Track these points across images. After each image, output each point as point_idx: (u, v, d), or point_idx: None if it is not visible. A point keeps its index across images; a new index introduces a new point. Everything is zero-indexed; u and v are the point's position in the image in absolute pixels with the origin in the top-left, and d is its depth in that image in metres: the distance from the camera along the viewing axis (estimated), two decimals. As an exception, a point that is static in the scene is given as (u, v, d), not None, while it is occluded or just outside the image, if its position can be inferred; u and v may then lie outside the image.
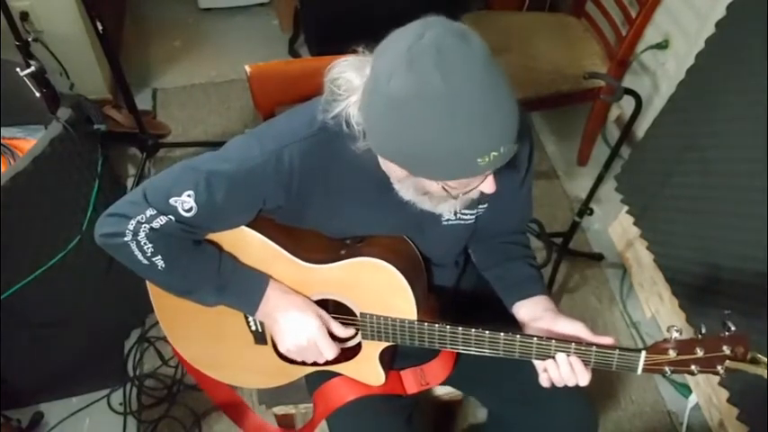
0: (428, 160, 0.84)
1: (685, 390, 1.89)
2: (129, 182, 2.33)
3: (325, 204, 1.05)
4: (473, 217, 1.12)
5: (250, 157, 0.98)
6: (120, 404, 1.82)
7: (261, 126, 1.04)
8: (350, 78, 0.88)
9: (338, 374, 1.18)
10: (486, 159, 0.82)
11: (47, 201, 1.47)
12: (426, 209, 0.99)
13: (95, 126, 1.68)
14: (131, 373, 1.87)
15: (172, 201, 0.97)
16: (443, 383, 1.23)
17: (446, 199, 0.95)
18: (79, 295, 1.67)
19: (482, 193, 0.94)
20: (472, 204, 1.08)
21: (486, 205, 1.12)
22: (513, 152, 0.86)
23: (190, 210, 0.97)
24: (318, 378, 1.20)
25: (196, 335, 1.21)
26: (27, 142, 1.63)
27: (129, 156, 2.42)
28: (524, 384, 1.03)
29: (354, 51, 0.89)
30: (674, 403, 1.89)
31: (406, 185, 0.96)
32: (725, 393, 1.63)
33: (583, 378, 0.99)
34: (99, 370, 1.83)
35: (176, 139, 2.49)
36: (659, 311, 1.99)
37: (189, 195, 0.96)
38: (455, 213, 1.09)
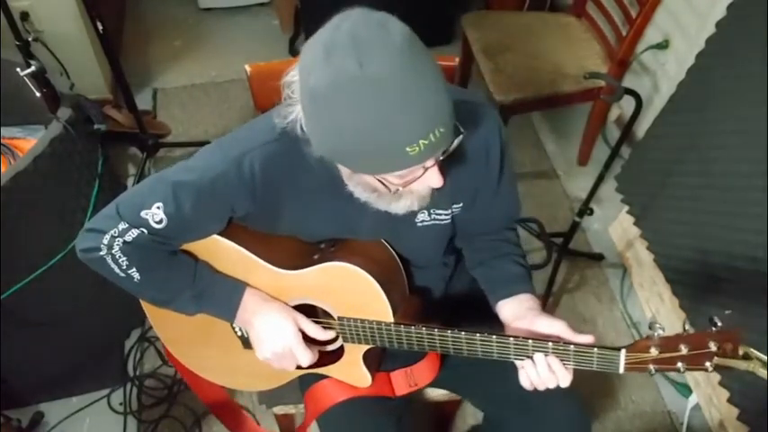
0: (357, 153, 0.83)
1: (685, 390, 1.89)
2: (130, 181, 2.33)
3: (295, 209, 1.04)
4: (448, 217, 1.10)
5: (212, 165, 0.98)
6: (120, 404, 1.82)
7: (227, 134, 1.04)
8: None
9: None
10: (416, 148, 0.80)
11: (47, 201, 1.47)
12: (382, 209, 0.98)
13: (95, 126, 1.68)
14: (131, 373, 1.87)
15: (143, 213, 0.98)
16: (434, 385, 1.23)
17: (397, 197, 0.94)
18: (79, 295, 1.67)
19: (434, 189, 0.92)
20: (445, 203, 1.07)
21: (461, 204, 1.10)
22: (448, 140, 0.84)
23: (160, 222, 0.98)
24: (310, 379, 1.20)
25: (188, 340, 1.22)
26: (27, 142, 1.63)
27: (129, 155, 2.43)
28: (519, 388, 1.02)
29: None
30: (674, 403, 1.89)
31: (354, 184, 0.95)
32: (725, 393, 1.62)
33: (563, 379, 0.98)
34: (99, 370, 1.84)
35: (176, 139, 2.49)
36: (659, 311, 1.99)
37: (158, 207, 0.97)
38: (429, 214, 1.08)
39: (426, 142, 0.80)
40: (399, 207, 0.96)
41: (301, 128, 0.90)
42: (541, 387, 1.00)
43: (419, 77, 0.77)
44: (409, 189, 0.92)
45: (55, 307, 1.62)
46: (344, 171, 0.93)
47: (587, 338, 0.97)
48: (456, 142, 0.86)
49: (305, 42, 0.85)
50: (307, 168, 0.98)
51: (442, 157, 0.87)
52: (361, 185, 0.94)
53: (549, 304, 2.08)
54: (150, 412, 1.80)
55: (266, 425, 1.67)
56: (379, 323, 1.06)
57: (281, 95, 0.90)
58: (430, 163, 0.86)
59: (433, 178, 0.88)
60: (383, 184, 0.89)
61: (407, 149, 0.80)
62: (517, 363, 1.01)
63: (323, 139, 0.85)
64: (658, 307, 1.99)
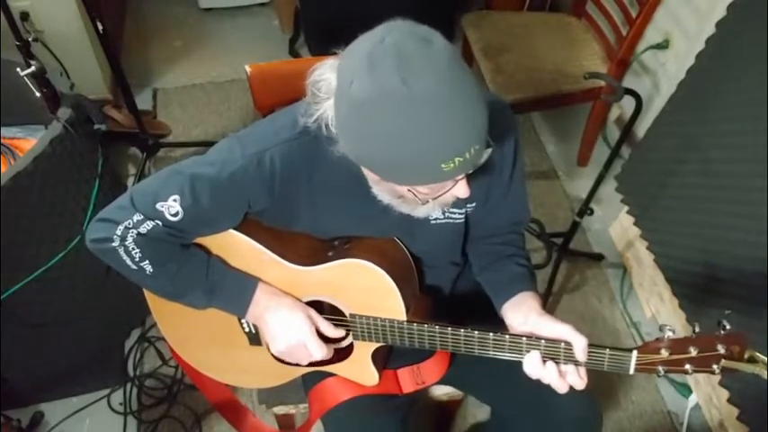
0: (392, 165, 0.83)
1: (685, 390, 1.89)
2: (130, 181, 2.33)
3: (312, 206, 1.05)
4: (462, 216, 1.11)
5: (232, 160, 0.98)
6: (120, 404, 1.82)
7: (245, 129, 1.04)
8: (330, 80, 0.87)
9: (334, 374, 1.18)
10: (451, 165, 0.81)
11: (47, 201, 1.47)
12: (404, 212, 0.99)
13: (96, 126, 1.68)
14: (131, 373, 1.87)
15: (158, 205, 0.97)
16: (443, 382, 1.23)
17: (421, 203, 0.95)
18: (79, 295, 1.67)
19: (458, 197, 0.93)
20: (459, 203, 1.07)
21: (474, 204, 1.11)
22: (482, 156, 0.85)
23: (176, 214, 0.98)
24: (315, 377, 1.20)
25: (193, 337, 1.22)
26: (27, 142, 1.63)
27: (129, 155, 2.43)
28: (528, 383, 1.02)
29: (335, 53, 0.88)
30: (674, 403, 1.89)
31: (380, 189, 0.96)
32: (725, 393, 1.63)
33: (577, 384, 0.98)
34: (99, 370, 1.84)
35: (177, 139, 2.49)
36: (659, 311, 1.99)
37: (175, 200, 0.97)
38: (443, 213, 1.08)
39: (461, 159, 0.81)
40: (421, 211, 0.98)
41: (326, 126, 0.90)
42: (561, 390, 0.99)
43: (460, 96, 0.78)
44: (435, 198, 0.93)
45: (55, 307, 1.62)
46: (372, 176, 0.93)
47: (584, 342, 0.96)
48: (485, 156, 0.86)
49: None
50: (327, 167, 0.98)
51: (471, 171, 0.87)
52: (387, 191, 0.95)
53: (549, 304, 2.07)
54: (150, 412, 1.80)
55: (266, 425, 1.67)
56: (391, 321, 1.06)
57: (306, 93, 0.91)
58: (460, 176, 0.87)
59: (461, 189, 0.90)
60: (413, 193, 0.90)
61: (442, 166, 0.80)
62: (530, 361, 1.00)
63: (356, 145, 0.85)
64: (658, 307, 1.99)
